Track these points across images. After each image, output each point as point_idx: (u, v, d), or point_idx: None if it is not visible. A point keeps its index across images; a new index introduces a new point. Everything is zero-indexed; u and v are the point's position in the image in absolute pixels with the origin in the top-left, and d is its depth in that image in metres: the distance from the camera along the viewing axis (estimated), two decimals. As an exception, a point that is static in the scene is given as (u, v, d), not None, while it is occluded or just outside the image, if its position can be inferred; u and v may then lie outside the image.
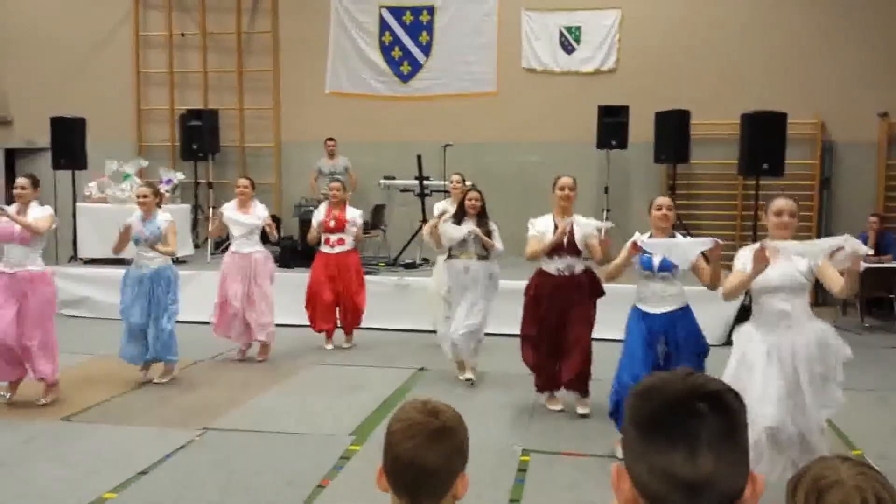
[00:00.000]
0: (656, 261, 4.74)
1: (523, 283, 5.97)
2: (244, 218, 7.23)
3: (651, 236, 4.81)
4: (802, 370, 3.94)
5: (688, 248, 4.56)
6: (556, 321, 5.68)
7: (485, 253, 6.42)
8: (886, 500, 1.29)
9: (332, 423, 5.54)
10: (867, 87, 10.18)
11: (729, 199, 10.58)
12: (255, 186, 7.47)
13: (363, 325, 8.31)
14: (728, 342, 7.56)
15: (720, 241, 4.47)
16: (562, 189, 5.67)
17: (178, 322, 6.55)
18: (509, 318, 6.41)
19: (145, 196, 6.47)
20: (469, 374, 6.59)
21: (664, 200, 4.99)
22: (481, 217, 6.46)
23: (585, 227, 5.53)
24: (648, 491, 1.06)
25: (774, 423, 3.84)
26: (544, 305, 5.70)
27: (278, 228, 11.16)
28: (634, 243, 4.67)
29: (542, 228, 5.65)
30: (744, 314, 7.78)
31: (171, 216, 6.55)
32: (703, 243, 4.46)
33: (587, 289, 5.69)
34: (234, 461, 4.80)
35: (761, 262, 3.87)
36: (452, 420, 1.56)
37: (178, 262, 9.73)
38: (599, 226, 5.53)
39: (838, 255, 3.71)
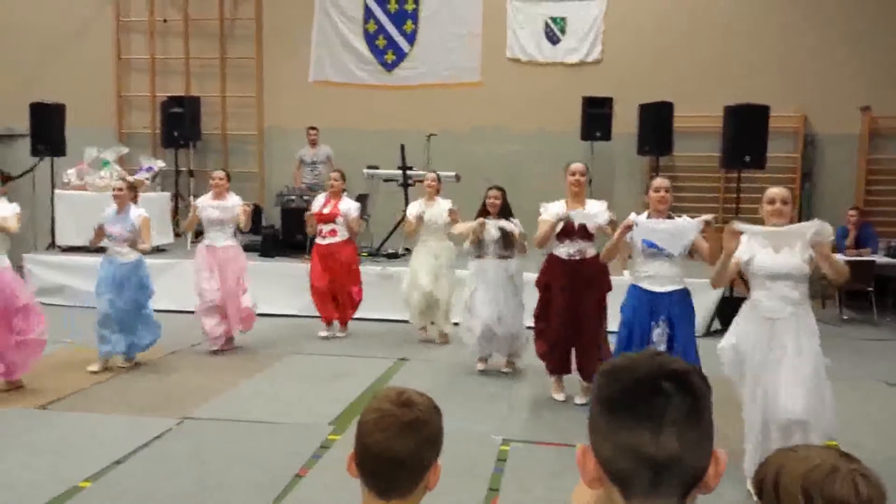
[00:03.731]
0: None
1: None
2: (220, 205, 7.13)
3: (649, 217, 4.77)
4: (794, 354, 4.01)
5: (678, 234, 4.55)
6: (569, 307, 5.57)
7: (505, 253, 6.34)
8: (872, 478, 1.30)
9: (311, 413, 5.51)
10: (849, 81, 10.23)
11: (711, 192, 10.60)
12: (230, 178, 7.40)
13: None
14: (707, 333, 7.68)
15: (710, 219, 4.50)
16: (573, 174, 5.63)
17: (156, 311, 6.54)
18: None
19: (120, 189, 6.46)
20: (506, 369, 6.58)
21: (662, 182, 4.88)
22: (504, 215, 6.37)
23: (592, 216, 5.45)
24: (613, 469, 1.07)
25: (803, 416, 3.89)
26: (557, 293, 5.62)
27: (260, 216, 11.17)
28: (628, 223, 4.64)
29: (553, 213, 5.53)
30: (726, 305, 7.83)
31: (146, 211, 6.54)
32: (694, 227, 4.50)
33: (598, 280, 5.58)
34: (211, 450, 4.77)
35: (730, 239, 3.98)
36: (426, 411, 1.53)
37: (157, 250, 9.71)
38: (612, 218, 5.49)
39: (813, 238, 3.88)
